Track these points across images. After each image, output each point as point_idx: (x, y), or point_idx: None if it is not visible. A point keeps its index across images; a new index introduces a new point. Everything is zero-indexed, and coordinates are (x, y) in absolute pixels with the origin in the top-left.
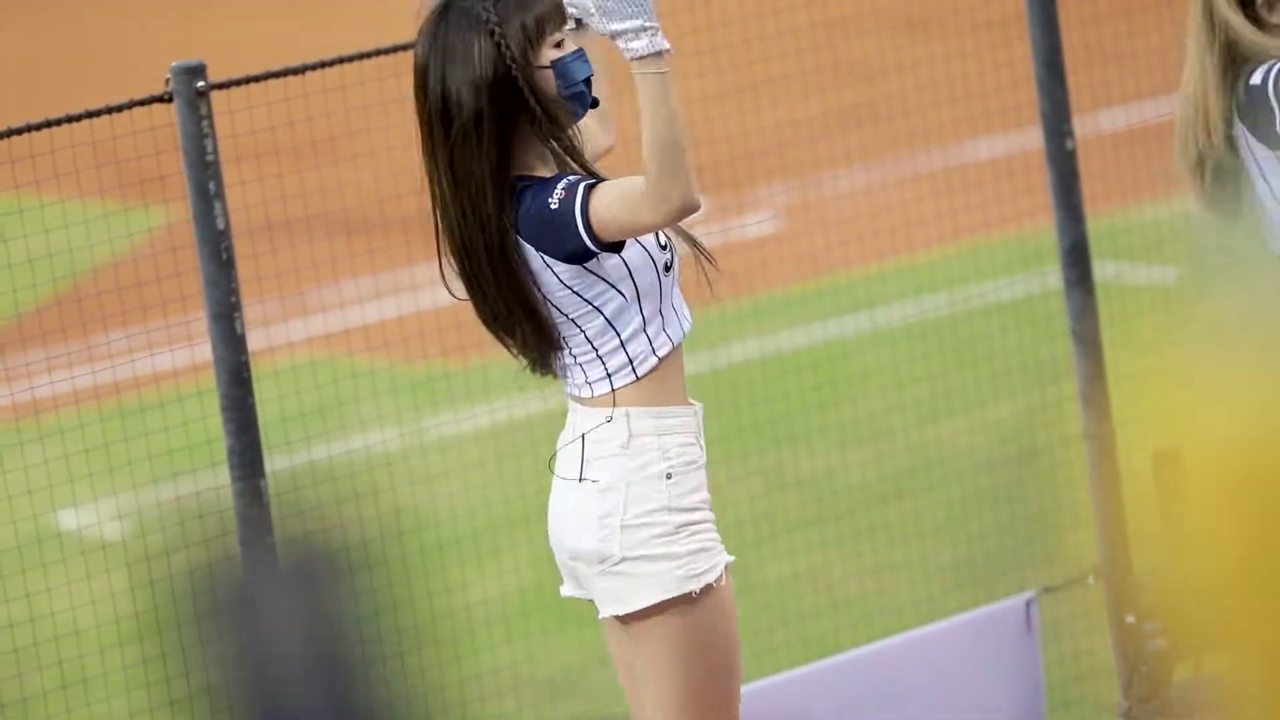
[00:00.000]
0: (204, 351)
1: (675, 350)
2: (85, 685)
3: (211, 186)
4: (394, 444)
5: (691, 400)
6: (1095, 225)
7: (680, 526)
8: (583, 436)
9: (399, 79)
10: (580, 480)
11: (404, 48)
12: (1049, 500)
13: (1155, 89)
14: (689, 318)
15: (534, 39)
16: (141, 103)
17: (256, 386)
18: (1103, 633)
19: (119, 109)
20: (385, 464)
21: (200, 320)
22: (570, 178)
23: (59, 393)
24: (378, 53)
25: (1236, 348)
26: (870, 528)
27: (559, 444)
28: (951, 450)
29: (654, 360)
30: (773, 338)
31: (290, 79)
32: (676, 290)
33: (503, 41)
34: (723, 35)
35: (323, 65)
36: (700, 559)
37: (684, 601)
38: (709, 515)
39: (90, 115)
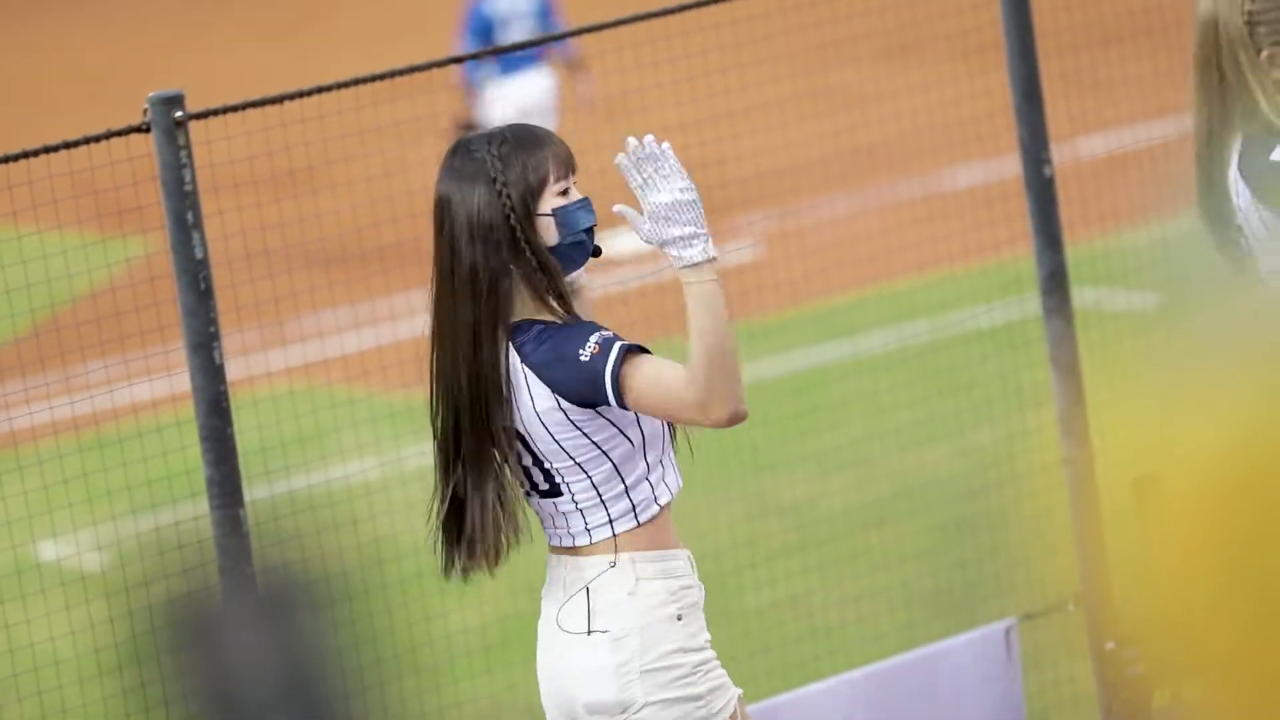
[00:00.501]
0: (183, 382)
1: (673, 499)
2: (65, 716)
3: (190, 216)
4: (373, 473)
5: (681, 543)
6: (1074, 252)
7: (696, 666)
8: (587, 588)
9: (376, 108)
10: (590, 633)
11: (380, 77)
12: (1029, 527)
13: (1133, 116)
14: (679, 476)
15: (536, 186)
16: (119, 133)
17: (235, 416)
18: (1083, 659)
19: (96, 139)
20: (365, 493)
21: (179, 350)
22: (604, 333)
23: (38, 423)
24: (355, 82)
25: (1215, 371)
26: (851, 554)
27: (548, 597)
28: (932, 477)
29: (656, 509)
30: (753, 365)
31: (269, 108)
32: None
33: (503, 190)
34: (700, 64)
35: (300, 95)
36: (718, 696)
37: None
38: (714, 653)
39: (68, 146)
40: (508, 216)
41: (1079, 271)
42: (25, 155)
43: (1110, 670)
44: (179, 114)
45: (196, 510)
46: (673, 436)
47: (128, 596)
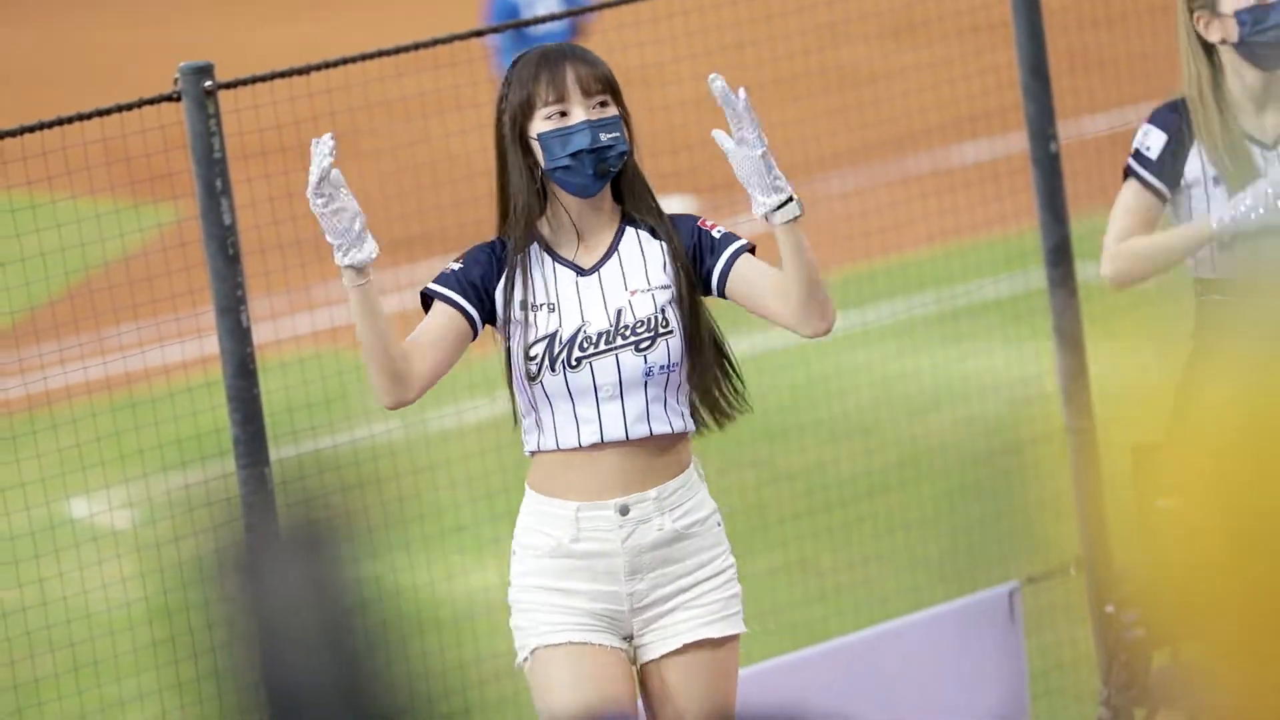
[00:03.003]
0: (212, 344)
1: (555, 454)
2: (96, 667)
3: (219, 183)
4: (397, 435)
5: (570, 494)
6: (1078, 226)
7: (513, 600)
8: None
9: (402, 79)
10: None
11: (406, 49)
12: (1032, 493)
13: (1137, 95)
14: (600, 431)
15: (524, 110)
16: (150, 101)
17: (262, 378)
18: (1084, 622)
19: (129, 107)
20: (389, 454)
21: (208, 313)
22: (446, 268)
23: (71, 383)
24: (381, 53)
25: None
26: (858, 520)
27: None
28: (938, 444)
29: (534, 445)
30: (764, 335)
31: (296, 79)
32: (585, 403)
33: (503, 108)
34: (716, 39)
35: (327, 65)
36: (518, 635)
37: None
38: (535, 598)
39: (101, 114)
40: (500, 139)
41: (1082, 245)
42: (59, 122)
43: (1110, 633)
44: (209, 83)
45: (224, 469)
46: (547, 383)
47: (157, 552)
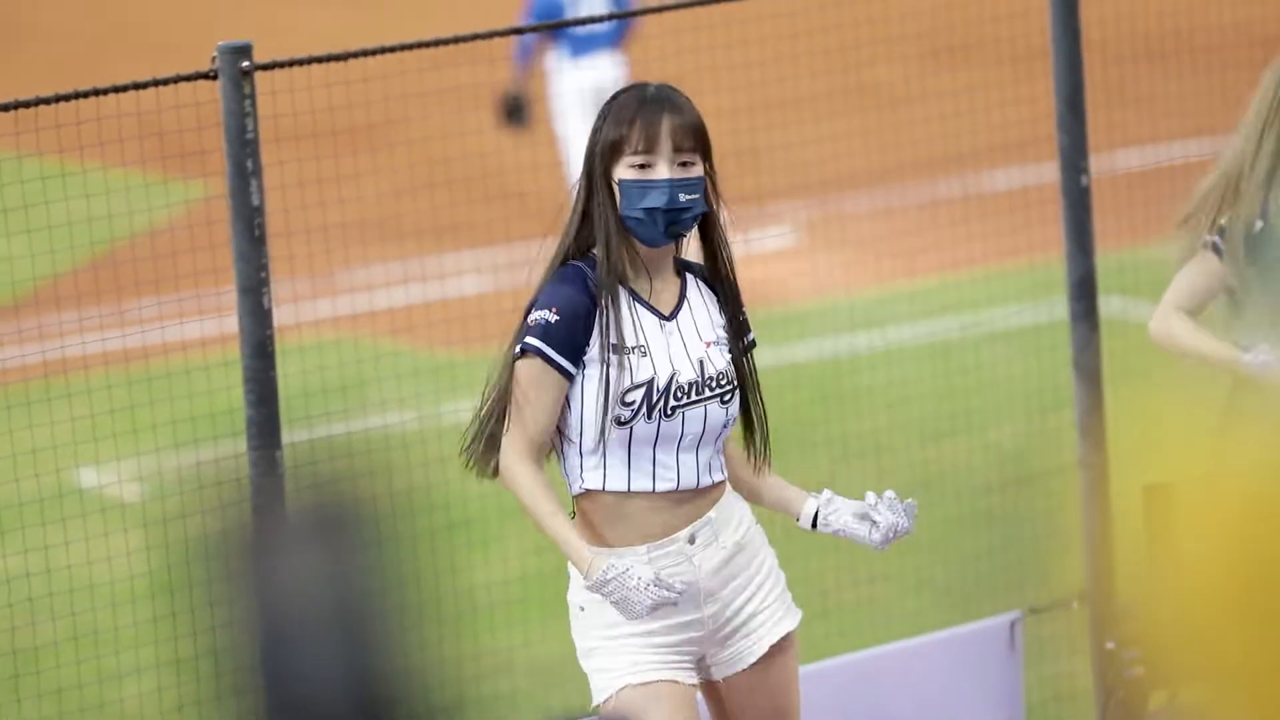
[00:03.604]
0: (231, 324)
1: (621, 495)
2: (95, 638)
3: (250, 164)
4: (410, 426)
5: (666, 536)
6: (1104, 261)
7: (588, 651)
8: None
9: (439, 71)
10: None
11: (445, 42)
12: (1041, 525)
13: (1171, 133)
14: (677, 480)
15: (611, 152)
16: (187, 78)
17: (280, 361)
18: (1084, 657)
19: (165, 82)
20: (401, 445)
21: (230, 293)
22: (540, 314)
23: (89, 353)
24: (419, 45)
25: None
26: None
27: None
28: (950, 470)
29: (582, 488)
30: (786, 349)
31: (333, 65)
32: (667, 451)
33: (596, 141)
34: (756, 52)
35: (365, 54)
36: (598, 677)
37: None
38: (613, 645)
39: (137, 87)
40: (589, 168)
41: (1107, 280)
42: (96, 93)
43: (1109, 670)
44: (246, 64)
45: (235, 449)
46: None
47: (164, 528)
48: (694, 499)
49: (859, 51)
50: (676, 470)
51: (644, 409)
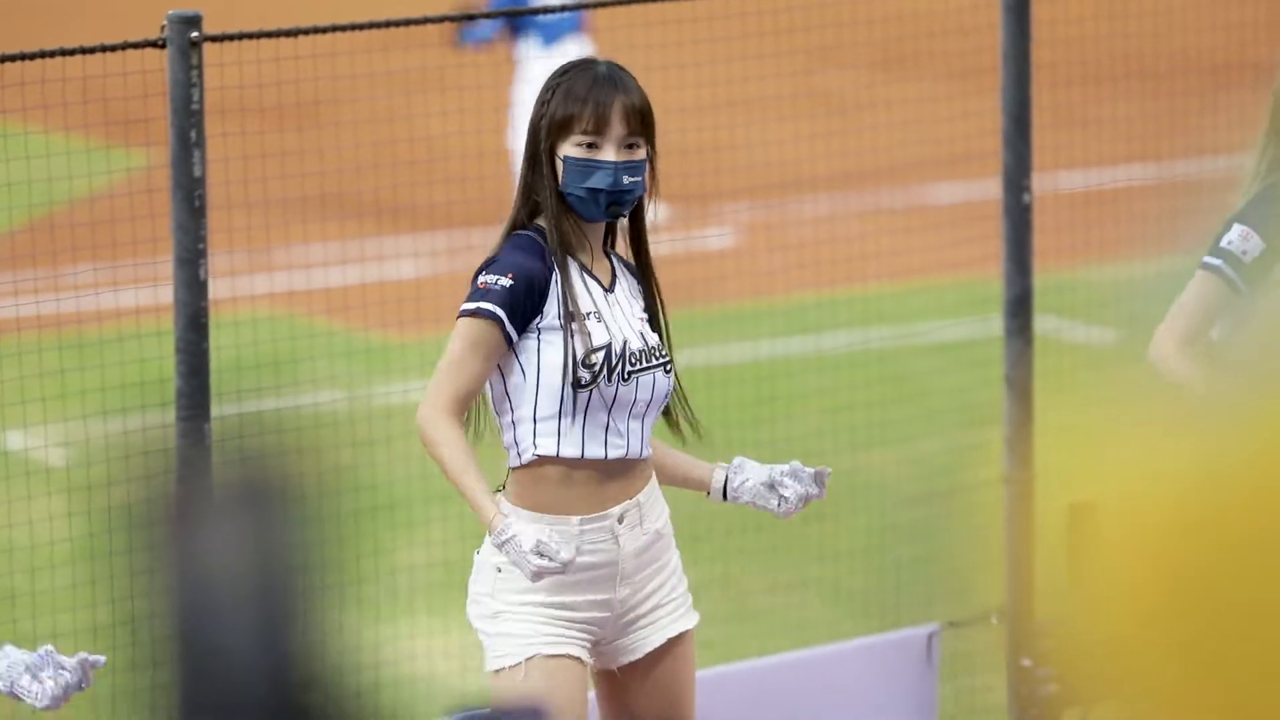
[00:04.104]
0: (167, 294)
1: (572, 462)
2: (13, 602)
3: (193, 135)
4: (341, 406)
5: (600, 511)
6: (1041, 279)
7: (496, 614)
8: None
9: (388, 53)
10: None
11: (396, 23)
12: (963, 539)
13: (1116, 157)
14: (626, 447)
15: (559, 127)
16: (135, 45)
17: (213, 333)
18: (999, 672)
19: (112, 48)
20: (331, 424)
21: (167, 263)
22: (487, 277)
23: (22, 316)
24: (370, 25)
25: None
26: (788, 544)
27: None
28: (878, 479)
29: (531, 457)
30: (719, 349)
31: (282, 40)
32: (620, 418)
33: (543, 113)
34: (706, 51)
35: (315, 31)
36: (501, 643)
37: (492, 676)
38: (538, 611)
39: (84, 51)
40: (533, 139)
41: (1044, 299)
42: (42, 55)
43: (1023, 686)
44: (195, 34)
45: (164, 420)
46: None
47: (88, 494)
48: (630, 476)
49: (811, 56)
50: (627, 438)
51: (604, 372)
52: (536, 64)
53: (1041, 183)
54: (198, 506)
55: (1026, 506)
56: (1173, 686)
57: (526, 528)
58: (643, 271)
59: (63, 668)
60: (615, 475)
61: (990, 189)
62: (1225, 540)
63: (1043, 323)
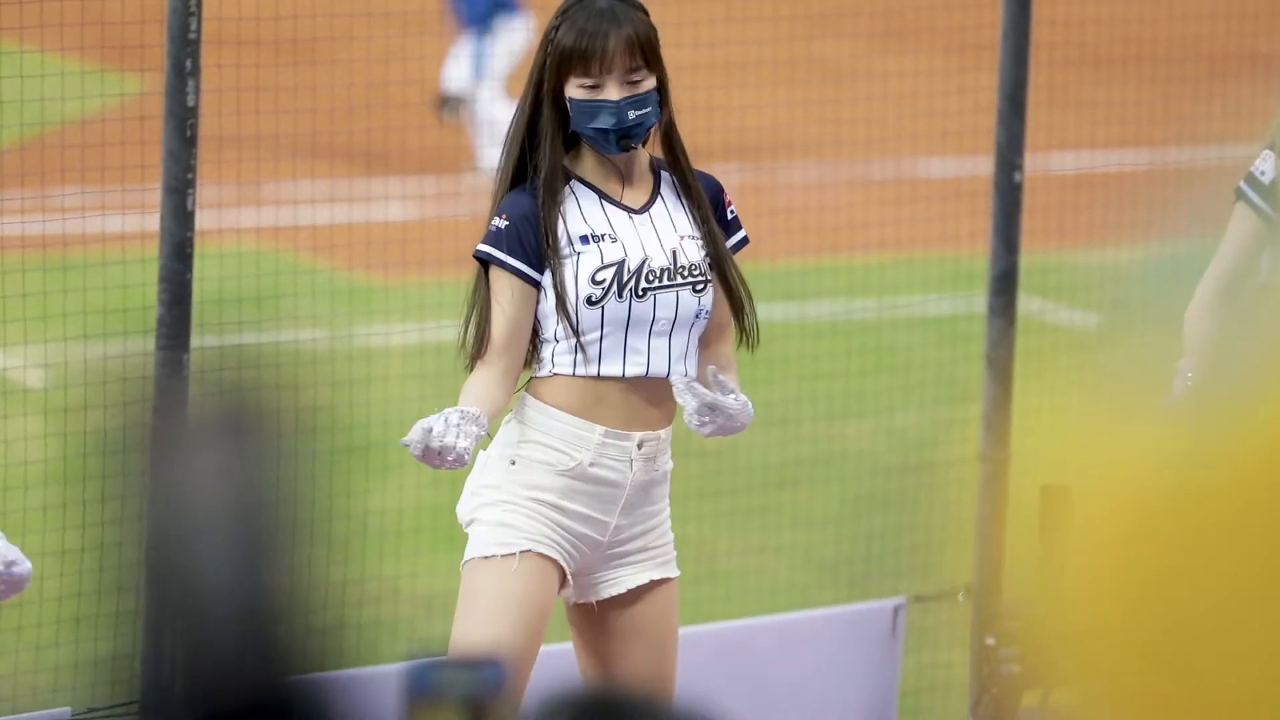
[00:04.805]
0: (154, 221)
1: (590, 380)
2: None
3: (188, 64)
4: (321, 344)
5: (601, 420)
6: (1027, 259)
7: (498, 501)
8: None
9: None
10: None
11: None
12: (935, 514)
13: (1110, 140)
14: (646, 365)
15: (564, 68)
16: None
17: (198, 264)
18: (962, 649)
19: None
20: (310, 362)
21: (155, 191)
22: (498, 222)
23: (6, 235)
24: None
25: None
26: (762, 509)
27: None
28: (854, 449)
29: (554, 370)
30: None
31: None
32: (639, 335)
33: (548, 51)
34: (705, 9)
35: None
36: (496, 532)
37: (476, 561)
38: (537, 508)
39: None
40: (536, 81)
41: (1029, 280)
42: None
43: (986, 664)
44: None
45: (144, 347)
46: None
47: (64, 417)
48: (656, 402)
49: (810, 23)
50: (647, 355)
51: (614, 288)
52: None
53: (1033, 162)
54: (174, 436)
55: (1000, 485)
56: (1135, 676)
57: (466, 435)
58: (687, 190)
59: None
60: (639, 396)
61: (982, 166)
62: (1196, 532)
63: (1026, 303)
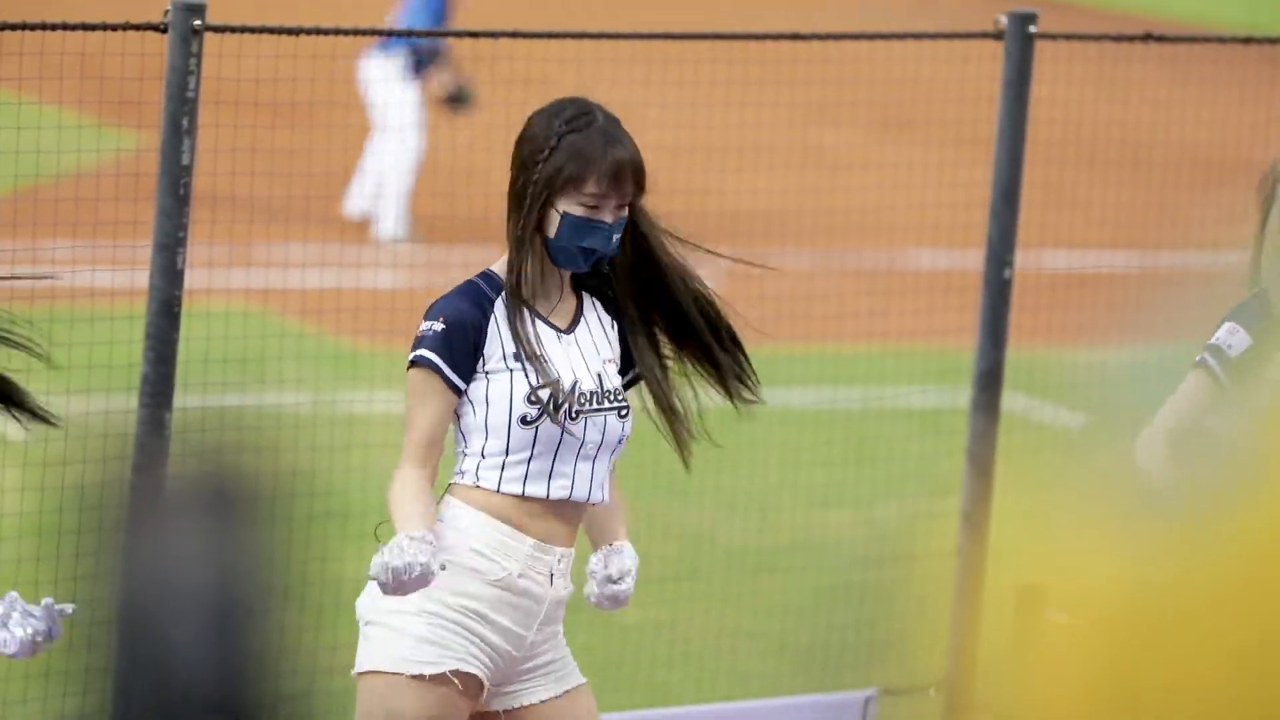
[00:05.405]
0: (143, 278)
1: (514, 499)
2: None
3: (185, 122)
4: (304, 409)
5: (547, 544)
6: (1014, 355)
7: (421, 612)
8: None
9: None
10: None
11: (399, 33)
12: (910, 606)
13: (1102, 241)
14: (570, 489)
15: (562, 183)
16: (137, 27)
17: (185, 323)
18: None
19: (114, 28)
20: (292, 426)
21: (146, 248)
22: (434, 325)
23: None
24: (372, 31)
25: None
26: (737, 594)
27: None
28: (831, 539)
29: (490, 485)
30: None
31: (283, 37)
32: (566, 459)
33: (541, 164)
34: (706, 93)
35: (317, 32)
36: (424, 650)
37: (393, 677)
38: (467, 621)
39: (86, 28)
40: (535, 184)
41: (1015, 376)
42: (43, 27)
43: None
44: (198, 22)
45: (127, 405)
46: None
47: (43, 471)
48: (572, 519)
49: (809, 110)
50: (572, 479)
51: (550, 407)
52: (397, 85)
53: (1024, 259)
54: (152, 495)
55: (976, 581)
56: None
57: (423, 552)
58: (612, 311)
59: (31, 614)
60: (561, 516)
61: (972, 260)
62: (1168, 638)
63: (1011, 400)
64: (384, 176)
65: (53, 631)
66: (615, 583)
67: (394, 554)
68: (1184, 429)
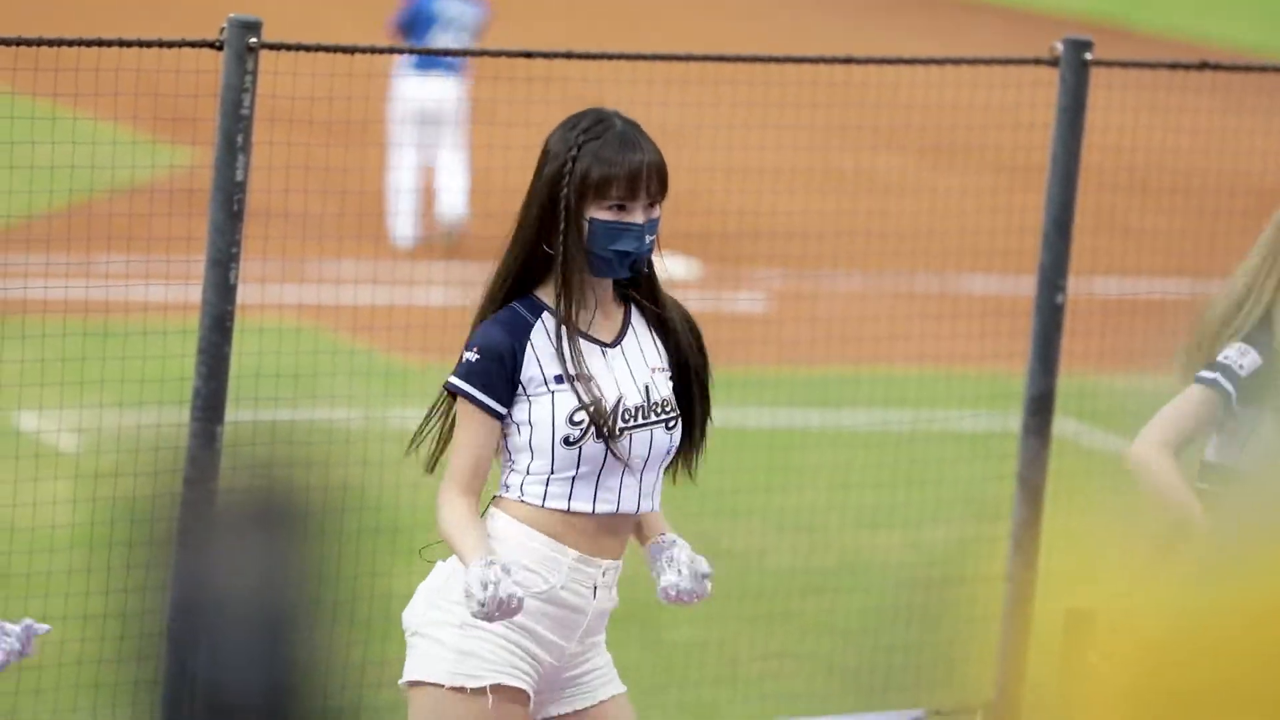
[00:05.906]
0: (196, 293)
1: (559, 513)
2: (7, 580)
3: (240, 139)
4: (355, 424)
5: (592, 557)
6: (1065, 381)
7: (464, 624)
8: None
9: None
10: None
11: (455, 53)
12: (959, 629)
13: (1154, 268)
14: (617, 503)
15: (588, 190)
16: (192, 44)
17: (237, 338)
18: None
19: (170, 45)
20: (343, 441)
21: (199, 263)
22: (470, 355)
23: (50, 298)
24: (428, 51)
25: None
26: (785, 614)
27: None
28: (881, 560)
29: (536, 502)
30: (738, 411)
31: (339, 56)
32: (612, 474)
33: (568, 175)
34: (760, 115)
35: (373, 50)
36: (468, 663)
37: (437, 689)
38: (508, 634)
39: (142, 44)
40: (564, 198)
41: (1066, 401)
42: (100, 43)
43: None
44: (254, 40)
45: (179, 418)
46: (580, 450)
47: (95, 482)
48: (620, 529)
49: (862, 134)
50: (618, 494)
51: (592, 428)
52: (410, 85)
53: (1076, 285)
54: (203, 508)
55: (1025, 606)
56: None
57: (510, 574)
58: (659, 321)
59: (6, 634)
60: (607, 529)
61: (1024, 286)
62: (1217, 665)
63: (1062, 424)
64: (447, 179)
65: (25, 650)
66: (707, 577)
67: (490, 593)
68: (1179, 443)
